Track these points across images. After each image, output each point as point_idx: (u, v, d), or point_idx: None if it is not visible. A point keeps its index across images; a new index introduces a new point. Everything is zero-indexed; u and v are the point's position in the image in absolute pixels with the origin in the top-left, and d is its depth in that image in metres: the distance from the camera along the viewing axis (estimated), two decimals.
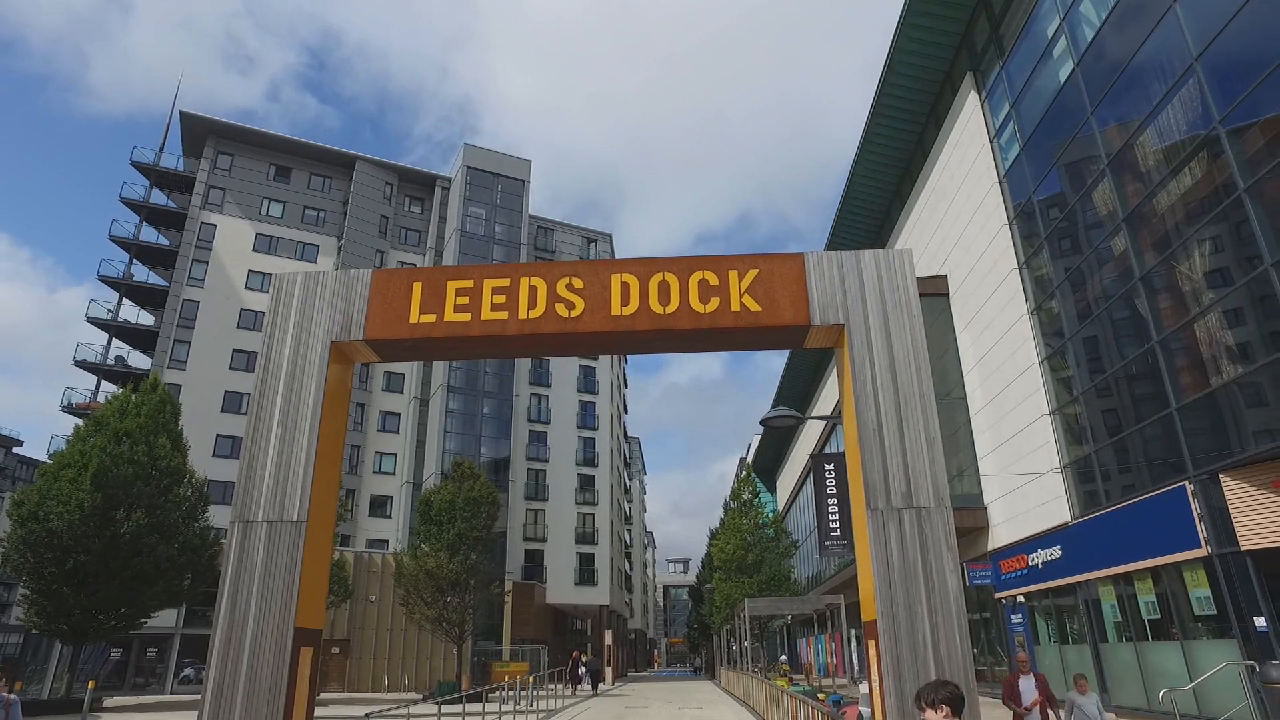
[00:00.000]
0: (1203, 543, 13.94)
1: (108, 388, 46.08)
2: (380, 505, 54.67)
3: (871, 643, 7.34)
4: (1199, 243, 14.18)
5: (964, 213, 24.11)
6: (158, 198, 53.28)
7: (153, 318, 51.09)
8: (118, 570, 24.66)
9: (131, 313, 51.45)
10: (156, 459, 26.34)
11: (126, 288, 50.34)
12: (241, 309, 51.01)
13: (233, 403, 48.28)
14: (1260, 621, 13.01)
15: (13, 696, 8.71)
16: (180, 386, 45.47)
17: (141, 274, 52.05)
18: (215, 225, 52.43)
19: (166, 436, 27.41)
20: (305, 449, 8.28)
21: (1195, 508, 14.13)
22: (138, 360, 50.50)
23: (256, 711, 7.47)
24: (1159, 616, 15.95)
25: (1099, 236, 17.52)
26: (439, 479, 42.16)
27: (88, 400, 45.86)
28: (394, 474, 55.27)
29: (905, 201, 29.68)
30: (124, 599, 25.33)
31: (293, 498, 8.12)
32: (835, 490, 13.27)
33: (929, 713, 4.25)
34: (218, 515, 30.89)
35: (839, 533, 13.45)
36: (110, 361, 48.78)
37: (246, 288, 51.70)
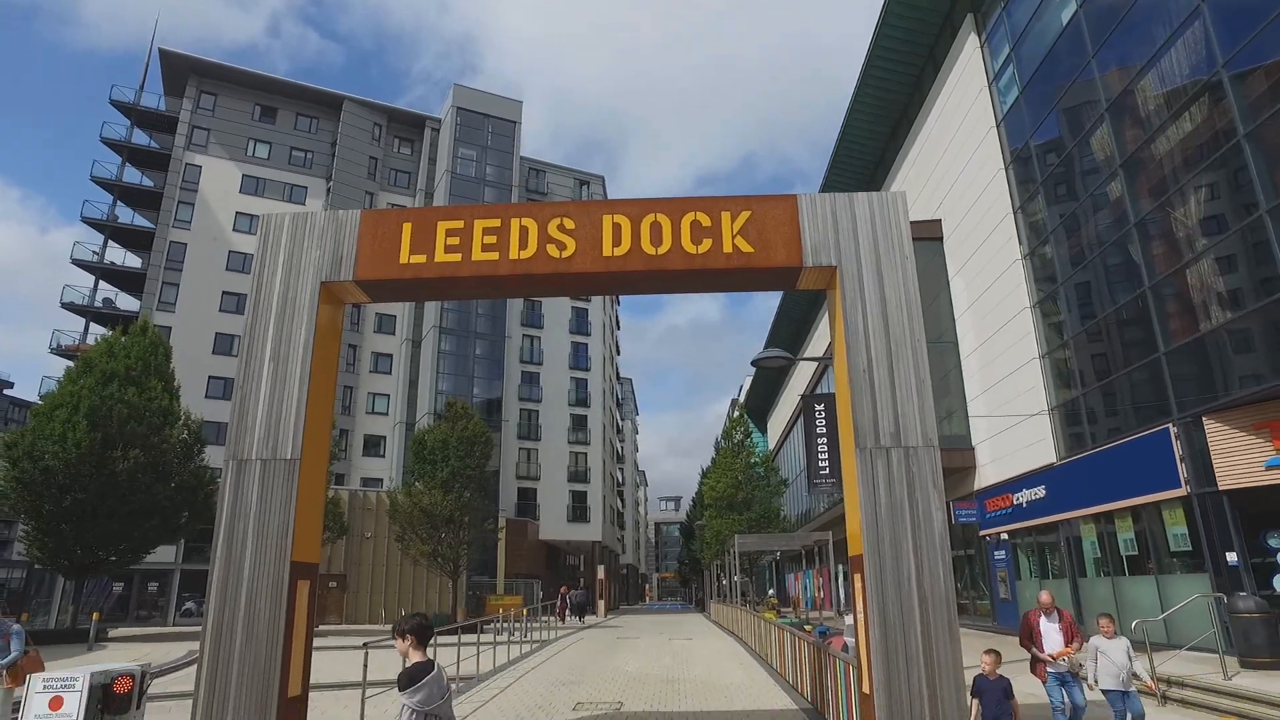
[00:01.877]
0: (1183, 483, 14.25)
1: (97, 330, 45.83)
2: (374, 445, 55.08)
3: (858, 576, 7.53)
4: (1195, 189, 14.11)
5: (960, 157, 23.86)
6: (139, 138, 52.11)
7: (140, 260, 50.52)
8: (115, 508, 24.99)
9: (118, 255, 50.84)
10: (149, 400, 26.42)
11: (111, 230, 49.63)
12: (230, 251, 50.43)
13: (224, 344, 48.11)
14: (1232, 557, 13.41)
15: (18, 626, 8.91)
16: (170, 329, 45.19)
17: (127, 216, 51.28)
18: (200, 167, 51.42)
19: (158, 379, 27.43)
20: (297, 388, 8.30)
21: (1177, 450, 14.40)
22: (126, 303, 50.12)
23: (256, 644, 7.66)
24: (1136, 553, 16.39)
25: (1095, 182, 17.40)
26: (432, 419, 42.43)
27: (77, 343, 45.66)
28: (387, 414, 55.54)
29: (901, 145, 29.32)
30: (122, 535, 25.74)
31: (285, 436, 8.18)
32: (825, 430, 13.44)
33: (399, 641, 4.83)
34: (213, 455, 31.09)
35: (828, 471, 13.69)
36: (98, 304, 48.38)
37: (234, 229, 51.02)
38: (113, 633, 28.17)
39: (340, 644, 23.24)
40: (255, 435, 8.21)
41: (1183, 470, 14.28)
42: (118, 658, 20.11)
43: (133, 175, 51.64)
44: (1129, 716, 8.20)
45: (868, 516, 7.35)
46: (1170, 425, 14.57)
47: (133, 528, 25.75)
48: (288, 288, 8.66)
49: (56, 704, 6.01)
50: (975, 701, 7.60)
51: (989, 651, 7.65)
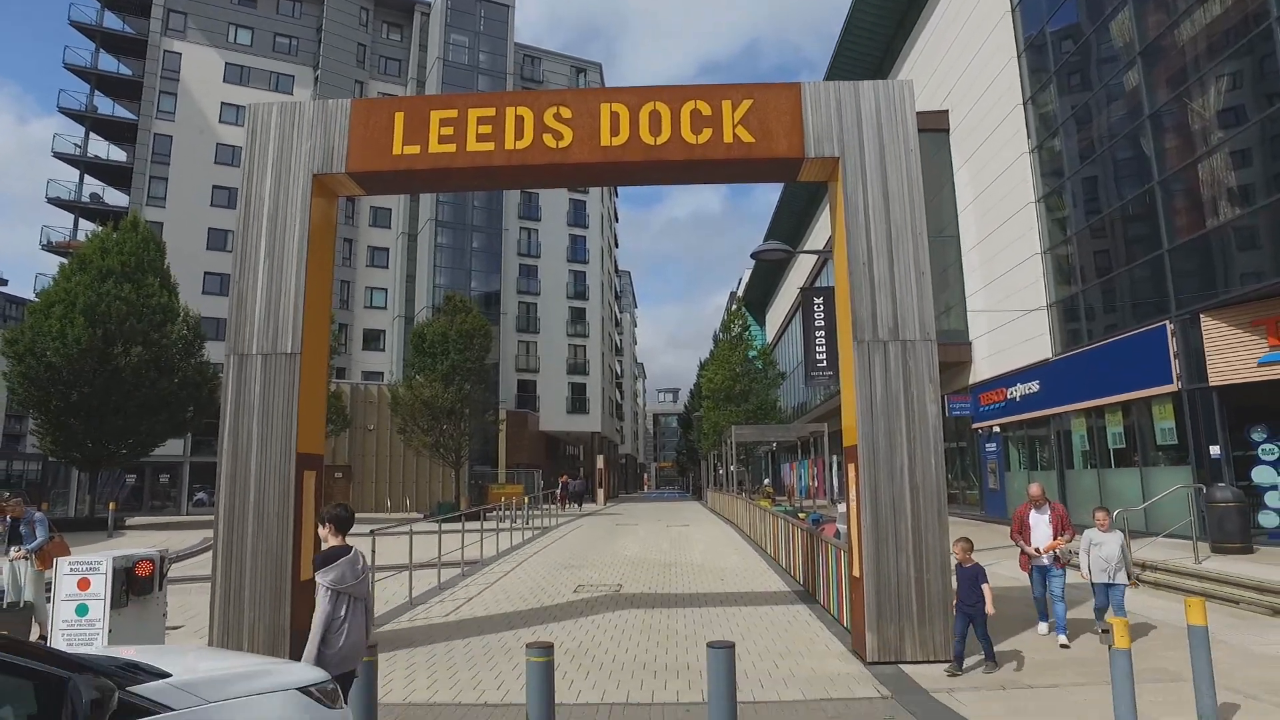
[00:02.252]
0: (1175, 379, 14.42)
1: (86, 226, 45.10)
2: (373, 339, 55.33)
3: (851, 467, 7.74)
4: (1217, 78, 13.62)
5: (970, 45, 22.89)
6: (112, 21, 49.69)
7: (125, 153, 49.18)
8: (121, 404, 25.37)
9: (101, 148, 49.47)
10: (147, 297, 26.36)
11: (92, 121, 48.08)
12: (217, 144, 49.00)
13: (217, 240, 47.42)
14: (1215, 450, 13.74)
15: (40, 514, 9.21)
16: (162, 225, 44.40)
17: (106, 107, 49.53)
18: (180, 54, 49.28)
19: (154, 275, 27.25)
20: (294, 283, 8.27)
21: (1172, 346, 14.49)
22: (114, 198, 49.09)
23: (267, 532, 7.94)
24: (1124, 446, 16.77)
25: (1111, 71, 16.77)
26: (430, 313, 42.46)
27: (67, 239, 45.06)
28: (385, 308, 55.54)
29: (909, 34, 28.07)
30: (130, 430, 26.23)
31: (285, 330, 8.21)
32: (824, 322, 13.46)
33: (319, 528, 5.20)
34: (213, 351, 31.26)
35: (825, 364, 13.81)
36: (85, 199, 47.44)
37: (220, 121, 49.41)
38: (130, 521, 29.09)
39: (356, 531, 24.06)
40: (254, 330, 8.24)
41: (1176, 366, 14.42)
42: (137, 544, 20.84)
43: (109, 63, 49.63)
44: (1110, 607, 8.47)
45: (863, 409, 7.48)
46: (1167, 322, 14.61)
47: (140, 422, 26.22)
48: (279, 181, 8.50)
49: (84, 585, 6.28)
50: None
51: (960, 540, 7.82)
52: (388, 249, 56.14)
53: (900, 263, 7.81)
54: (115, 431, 25.90)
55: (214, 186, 48.20)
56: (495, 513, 22.69)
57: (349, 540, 5.17)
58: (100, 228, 28.56)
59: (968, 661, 7.12)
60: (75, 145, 47.51)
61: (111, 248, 26.45)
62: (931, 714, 5.96)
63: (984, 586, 6.92)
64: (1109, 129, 16.88)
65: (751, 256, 12.31)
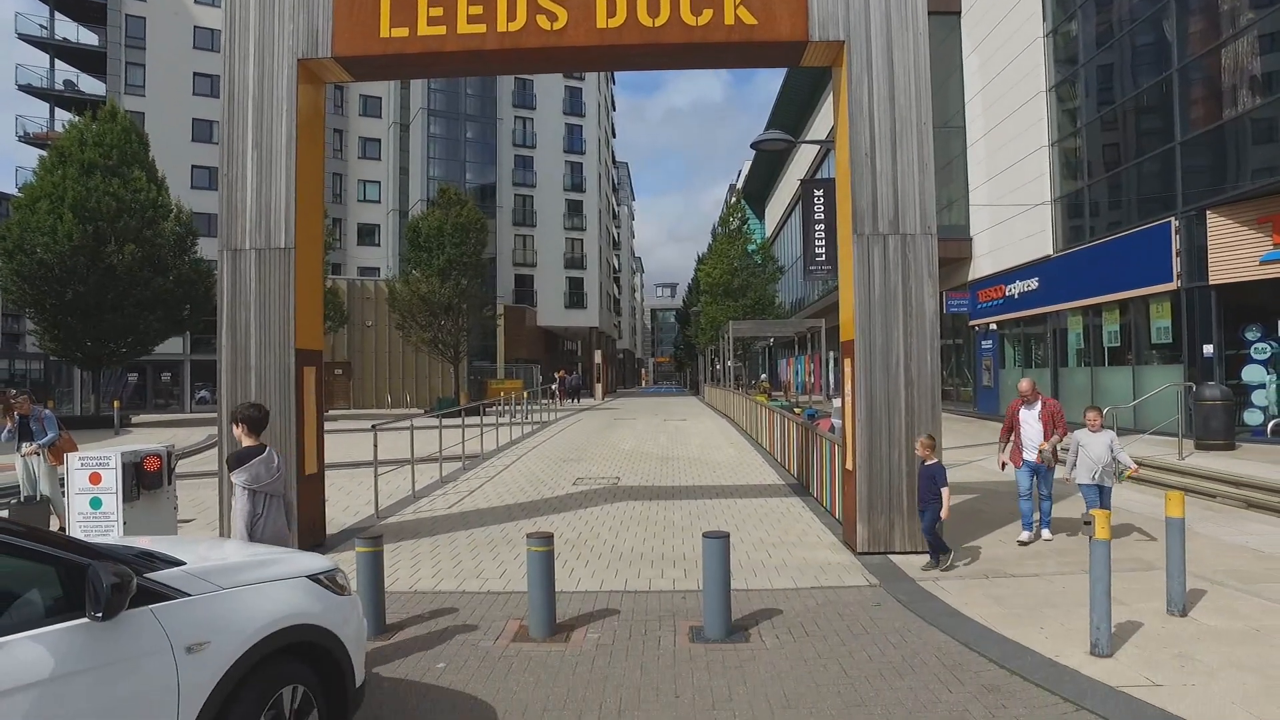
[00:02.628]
0: (1175, 277, 14.37)
1: (63, 116, 43.57)
2: (368, 234, 54.66)
3: (848, 361, 7.79)
4: None
5: None
6: None
7: (95, 36, 46.99)
8: (117, 302, 25.25)
9: (70, 30, 47.26)
10: (135, 192, 25.78)
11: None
12: (195, 26, 46.79)
13: (203, 131, 45.94)
14: (1208, 349, 13.85)
15: (48, 412, 9.35)
16: (143, 115, 42.91)
17: None
18: None
19: (140, 169, 26.56)
20: (284, 175, 8.08)
21: (1175, 244, 14.36)
22: (90, 85, 47.22)
23: (270, 428, 8.04)
24: (1119, 345, 16.88)
25: None
26: (425, 206, 41.73)
27: (45, 130, 43.65)
28: (379, 202, 54.60)
29: None
30: (128, 328, 26.21)
31: (277, 225, 8.08)
32: (823, 216, 13.28)
33: (233, 427, 5.41)
34: (206, 248, 30.88)
35: (824, 258, 13.73)
36: (59, 86, 45.68)
37: (197, 2, 47.01)
38: (135, 419, 29.51)
39: (350, 427, 24.44)
40: (246, 225, 8.11)
41: (1177, 264, 14.34)
42: (143, 441, 21.21)
43: None
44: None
45: (861, 302, 7.46)
46: (1172, 219, 14.42)
47: (137, 320, 26.17)
48: (262, 68, 8.16)
49: (95, 479, 6.43)
50: None
51: (923, 436, 7.61)
52: (379, 140, 54.66)
53: (903, 155, 7.62)
54: (113, 329, 25.90)
55: (195, 74, 46.36)
56: (495, 408, 23.00)
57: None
58: (77, 118, 27.61)
59: (954, 557, 7.35)
60: (41, 26, 45.41)
61: (91, 140, 25.66)
62: (917, 600, 6.22)
63: (943, 490, 6.93)
64: (1130, 11, 16.16)
65: (752, 147, 11.99)
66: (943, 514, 6.88)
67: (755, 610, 6.13)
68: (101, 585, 2.50)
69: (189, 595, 2.96)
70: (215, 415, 8.33)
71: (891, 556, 7.48)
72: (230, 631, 3.01)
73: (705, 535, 5.69)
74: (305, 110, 8.35)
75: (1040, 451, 7.99)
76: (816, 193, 14.37)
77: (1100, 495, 7.61)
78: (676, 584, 6.93)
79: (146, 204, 25.71)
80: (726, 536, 5.70)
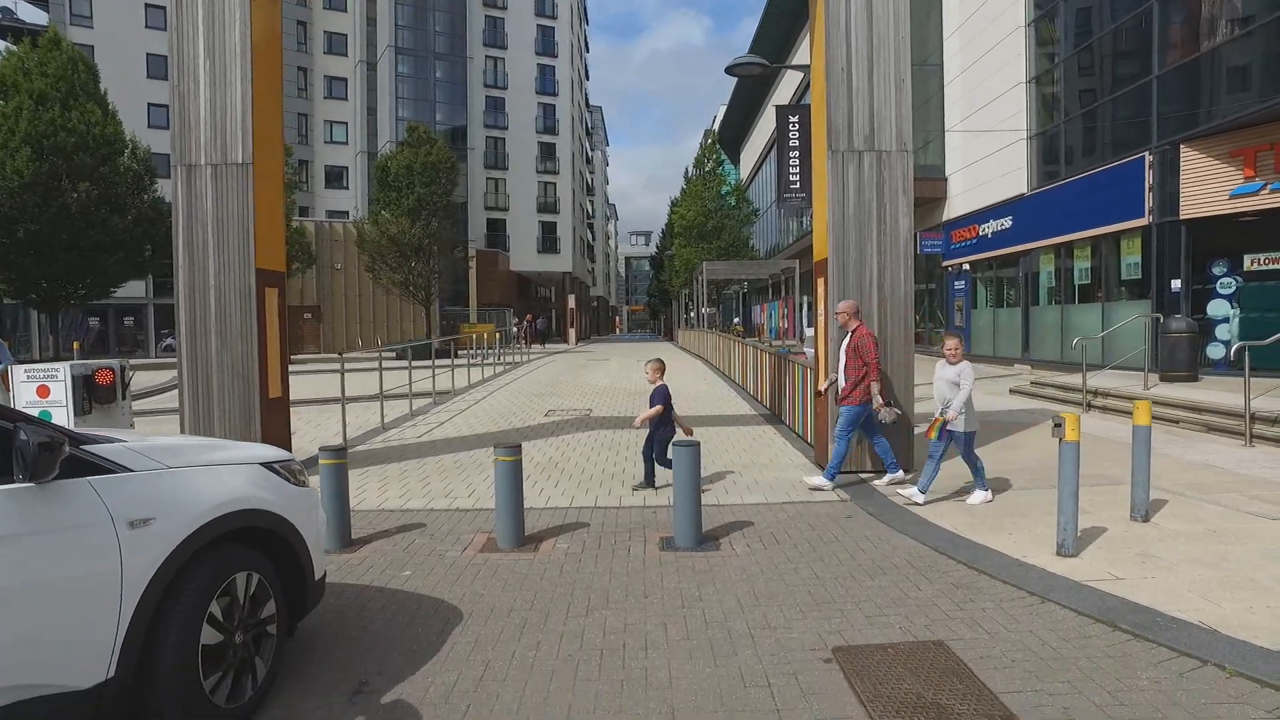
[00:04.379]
0: (1146, 213, 14.40)
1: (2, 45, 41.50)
2: (336, 177, 53.38)
3: (820, 281, 7.71)
4: None
5: None
6: None
7: None
8: (73, 242, 24.33)
9: None
10: (90, 126, 24.68)
11: None
12: None
13: (158, 68, 43.76)
14: (1175, 284, 13.96)
15: (2, 342, 9.03)
16: (92, 48, 40.91)
17: None
18: None
19: (93, 103, 25.39)
20: (239, 84, 7.71)
21: (1148, 179, 14.36)
22: (30, 14, 44.90)
23: (231, 347, 7.82)
24: (1089, 282, 16.99)
25: None
26: (394, 147, 40.73)
27: None
28: (347, 143, 53.20)
29: None
30: (86, 269, 25.32)
31: (234, 139, 7.74)
32: (798, 143, 13.05)
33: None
34: (165, 188, 29.88)
35: (798, 185, 13.53)
36: None
37: None
38: None
39: (320, 369, 24.15)
40: (200, 138, 7.76)
41: (1149, 200, 14.36)
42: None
43: None
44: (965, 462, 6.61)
45: (835, 219, 7.35)
46: (1146, 154, 14.39)
47: (95, 262, 25.27)
48: None
49: (43, 392, 6.21)
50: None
51: (652, 360, 7.50)
52: (346, 79, 53.02)
53: (880, 71, 7.43)
54: (70, 271, 25.01)
55: (146, 5, 44.23)
56: (466, 351, 22.80)
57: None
58: (15, 47, 26.20)
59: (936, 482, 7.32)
60: None
61: (34, 68, 24.40)
62: (887, 513, 6.25)
63: (671, 417, 7.04)
64: None
65: (727, 71, 11.69)
66: (638, 420, 7.13)
67: (726, 523, 6.13)
68: (29, 445, 2.35)
69: (130, 470, 2.82)
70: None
71: (863, 475, 7.50)
72: (177, 510, 2.88)
73: (674, 443, 5.64)
74: (260, 15, 7.94)
75: (831, 382, 7.25)
76: (792, 119, 14.11)
77: (955, 442, 6.34)
78: (647, 500, 6.91)
79: (100, 140, 24.65)
80: (697, 445, 5.65)
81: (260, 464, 3.47)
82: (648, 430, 7.30)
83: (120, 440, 2.97)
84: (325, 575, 3.91)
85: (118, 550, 2.62)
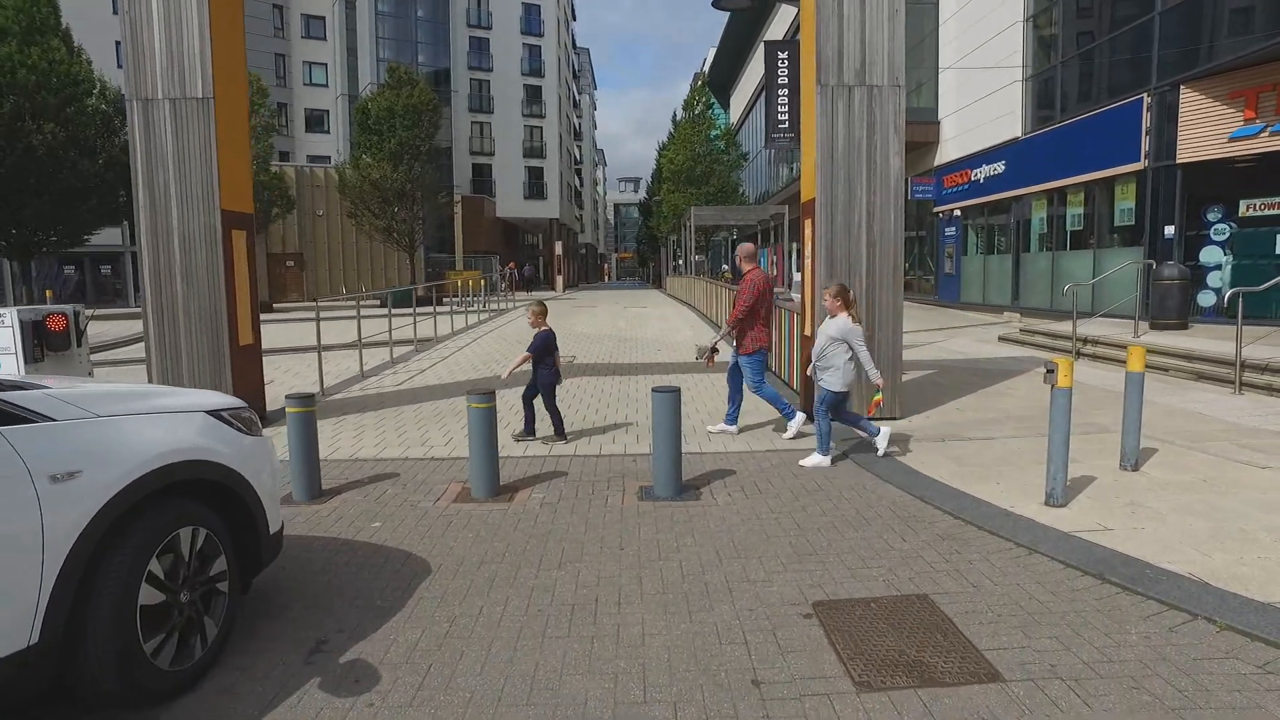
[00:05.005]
0: (1143, 156, 14.10)
1: None
2: (317, 121, 52.06)
3: (807, 222, 7.45)
4: None
5: None
6: None
7: None
8: (42, 187, 23.57)
9: None
10: (54, 63, 23.66)
11: None
12: None
13: None
14: (1169, 230, 13.75)
15: None
16: None
17: None
18: None
19: (56, 39, 24.32)
20: (196, 12, 7.27)
21: (1146, 121, 14.02)
22: None
23: (199, 292, 7.53)
24: (1081, 228, 16.74)
25: None
26: (375, 90, 39.61)
27: None
28: (327, 86, 51.75)
29: None
30: (58, 216, 24.61)
31: (192, 72, 7.33)
32: (787, 80, 12.56)
33: None
34: None
35: (787, 125, 13.09)
36: None
37: None
38: None
39: (302, 317, 23.79)
40: (156, 71, 7.34)
41: (1145, 144, 14.05)
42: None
43: None
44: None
45: (823, 158, 7.05)
46: (1145, 95, 14.02)
47: (67, 208, 24.53)
48: None
49: None
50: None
51: (533, 304, 7.17)
52: (324, 17, 51.31)
53: (872, 1, 7.06)
54: (40, 217, 24.28)
55: None
56: (451, 299, 22.48)
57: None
58: None
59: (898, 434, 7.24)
60: None
61: None
62: (873, 461, 6.11)
63: (518, 360, 6.89)
64: None
65: (715, 5, 11.21)
66: (504, 374, 6.77)
67: (708, 471, 5.98)
68: None
69: (52, 420, 2.59)
70: None
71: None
72: (107, 461, 2.66)
73: (655, 390, 5.45)
74: None
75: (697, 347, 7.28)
76: (781, 55, 13.59)
77: (820, 398, 6.06)
78: (628, 449, 6.75)
79: (66, 79, 23.69)
80: (677, 391, 5.46)
81: (206, 412, 3.25)
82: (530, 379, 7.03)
83: (43, 386, 2.74)
84: (283, 528, 3.73)
85: (37, 507, 2.41)
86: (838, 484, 5.57)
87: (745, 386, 7.12)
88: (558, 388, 7.07)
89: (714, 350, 7.46)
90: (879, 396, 6.16)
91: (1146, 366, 10.35)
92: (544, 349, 6.88)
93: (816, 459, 6.07)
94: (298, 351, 14.04)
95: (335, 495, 5.57)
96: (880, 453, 6.16)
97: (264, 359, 8.49)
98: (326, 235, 39.01)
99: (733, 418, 7.25)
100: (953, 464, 5.93)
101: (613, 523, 4.85)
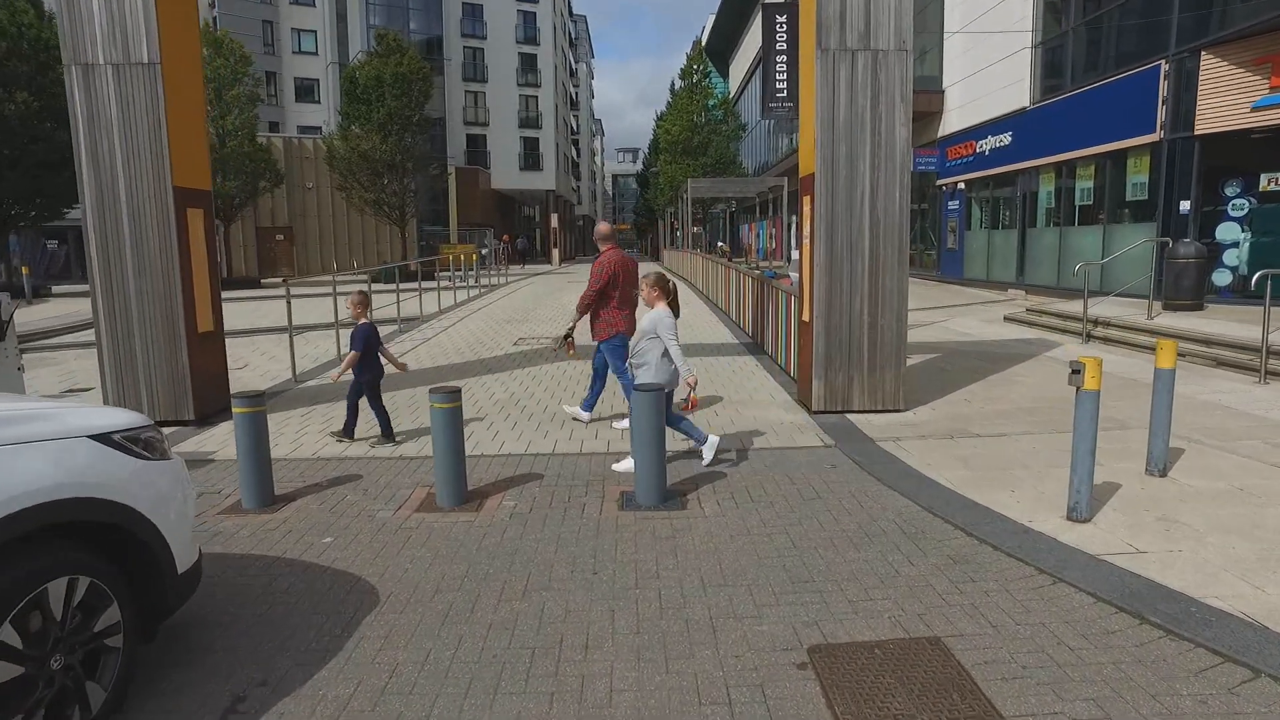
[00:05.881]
0: (1158, 127, 13.47)
1: None
2: (307, 91, 50.96)
3: (806, 199, 6.90)
4: None
5: None
6: None
7: None
8: (17, 158, 22.84)
9: None
10: (23, 28, 22.80)
11: None
12: None
13: None
14: (1184, 205, 13.17)
15: None
16: None
17: None
18: None
19: (24, 2, 23.41)
20: None
21: (1163, 90, 13.37)
22: None
23: (151, 276, 7.00)
24: (1090, 203, 16.13)
25: None
26: (366, 58, 38.63)
27: None
28: (316, 54, 50.55)
29: None
30: (36, 189, 23.91)
31: (136, 35, 6.73)
32: (786, 45, 11.87)
33: None
34: None
35: (785, 94, 12.43)
36: None
37: None
38: (56, 290, 27.59)
39: (297, 294, 23.20)
40: (95, 34, 6.74)
41: (1162, 114, 13.40)
42: (49, 313, 19.80)
43: None
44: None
45: (824, 129, 6.49)
46: (1163, 62, 13.35)
47: (44, 181, 23.80)
48: None
49: None
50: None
51: (354, 293, 6.61)
52: None
53: None
54: (16, 190, 23.57)
55: None
56: (443, 274, 21.91)
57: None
58: None
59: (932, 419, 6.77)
60: None
61: None
62: (875, 462, 5.63)
63: (347, 360, 6.37)
64: None
65: None
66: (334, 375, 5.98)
67: (696, 474, 5.50)
68: None
69: None
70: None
71: (849, 415, 6.87)
72: None
73: (635, 386, 4.94)
74: None
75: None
76: (779, 19, 12.89)
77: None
78: (611, 446, 6.27)
79: (37, 44, 22.83)
80: (661, 388, 4.96)
81: (92, 436, 2.74)
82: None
83: None
84: (200, 560, 3.24)
85: None
86: (837, 491, 5.09)
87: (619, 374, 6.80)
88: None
89: (568, 337, 7.02)
90: (694, 395, 5.50)
91: (1155, 349, 9.89)
92: (368, 344, 6.35)
93: (628, 464, 5.39)
94: (279, 332, 13.50)
95: (289, 503, 5.10)
96: (705, 463, 5.59)
97: (245, 340, 8.06)
98: (317, 209, 38.22)
99: (589, 404, 7.00)
100: (962, 466, 5.45)
101: (587, 538, 4.37)
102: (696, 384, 5.46)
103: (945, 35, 21.52)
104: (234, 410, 5.03)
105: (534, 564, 4.05)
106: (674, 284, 5.75)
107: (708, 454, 5.63)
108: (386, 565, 4.06)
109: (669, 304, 5.57)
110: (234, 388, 8.99)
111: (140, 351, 7.08)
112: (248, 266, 36.24)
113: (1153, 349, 10.05)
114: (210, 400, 7.45)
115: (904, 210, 6.66)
